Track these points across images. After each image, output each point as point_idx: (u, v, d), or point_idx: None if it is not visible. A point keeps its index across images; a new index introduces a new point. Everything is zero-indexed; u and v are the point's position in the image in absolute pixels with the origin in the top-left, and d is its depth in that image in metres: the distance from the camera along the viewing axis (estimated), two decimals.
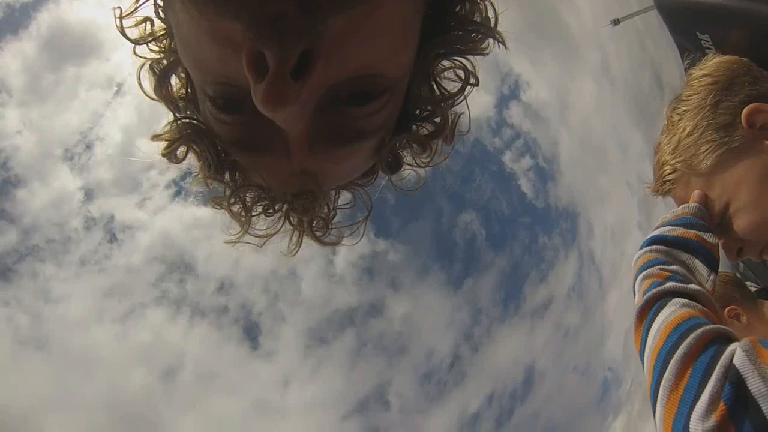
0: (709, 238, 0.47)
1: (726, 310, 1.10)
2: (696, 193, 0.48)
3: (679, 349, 0.34)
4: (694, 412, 0.32)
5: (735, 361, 0.32)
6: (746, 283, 1.69)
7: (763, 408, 0.30)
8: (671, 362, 0.34)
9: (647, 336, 0.39)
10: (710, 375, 0.32)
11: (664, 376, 0.34)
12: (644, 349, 0.39)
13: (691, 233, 0.46)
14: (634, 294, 0.46)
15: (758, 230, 0.47)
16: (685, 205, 0.49)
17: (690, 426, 0.31)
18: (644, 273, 0.45)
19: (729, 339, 0.35)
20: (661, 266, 0.44)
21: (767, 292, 1.56)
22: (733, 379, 0.31)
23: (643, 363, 0.38)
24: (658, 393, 0.35)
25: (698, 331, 0.35)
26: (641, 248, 0.49)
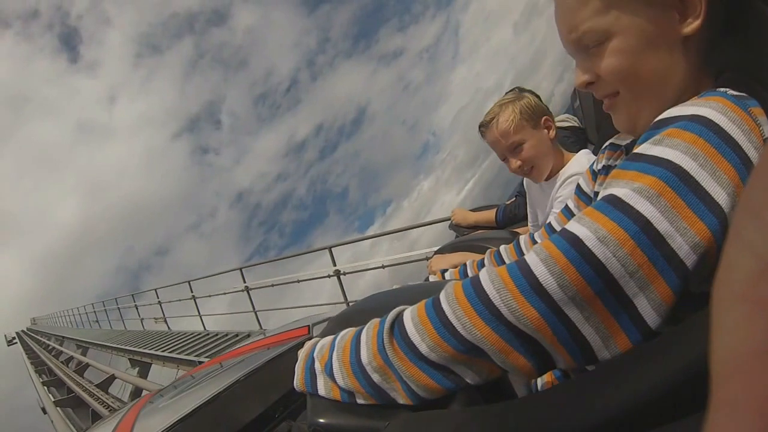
0: None
1: (542, 119, 1.22)
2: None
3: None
4: None
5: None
6: (568, 116, 1.76)
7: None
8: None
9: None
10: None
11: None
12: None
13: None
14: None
15: (618, 75, 0.45)
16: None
17: None
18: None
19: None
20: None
21: (584, 132, 1.63)
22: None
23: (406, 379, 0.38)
24: None
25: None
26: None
